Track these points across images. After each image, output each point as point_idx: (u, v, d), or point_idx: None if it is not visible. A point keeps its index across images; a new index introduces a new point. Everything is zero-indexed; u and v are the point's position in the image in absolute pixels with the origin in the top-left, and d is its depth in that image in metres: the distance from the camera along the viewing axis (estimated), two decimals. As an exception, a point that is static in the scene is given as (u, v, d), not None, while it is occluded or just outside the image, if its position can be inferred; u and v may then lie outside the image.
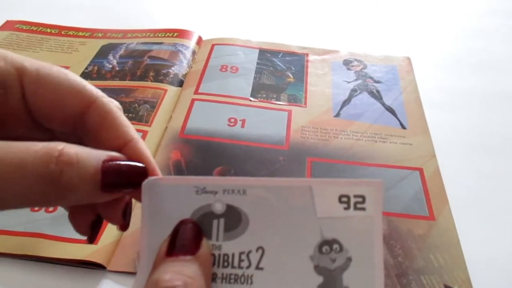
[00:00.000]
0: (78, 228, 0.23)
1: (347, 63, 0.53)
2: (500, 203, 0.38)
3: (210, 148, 0.42)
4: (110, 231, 0.34)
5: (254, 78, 0.50)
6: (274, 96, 0.48)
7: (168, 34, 0.56)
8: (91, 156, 0.19)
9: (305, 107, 0.47)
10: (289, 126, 0.44)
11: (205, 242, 0.20)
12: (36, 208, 0.35)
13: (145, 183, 0.20)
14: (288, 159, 0.41)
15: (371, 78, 0.51)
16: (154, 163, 0.22)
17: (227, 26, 0.60)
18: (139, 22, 0.60)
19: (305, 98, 0.48)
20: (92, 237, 0.23)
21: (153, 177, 0.21)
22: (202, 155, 0.41)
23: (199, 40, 0.56)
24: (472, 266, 0.33)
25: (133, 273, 0.32)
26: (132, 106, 0.45)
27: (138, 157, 0.21)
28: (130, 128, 0.22)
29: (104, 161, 0.19)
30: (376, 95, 0.49)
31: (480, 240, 0.35)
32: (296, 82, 0.50)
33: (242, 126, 0.44)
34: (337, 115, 0.46)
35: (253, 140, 0.42)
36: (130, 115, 0.44)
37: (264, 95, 0.48)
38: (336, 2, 0.67)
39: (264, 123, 0.44)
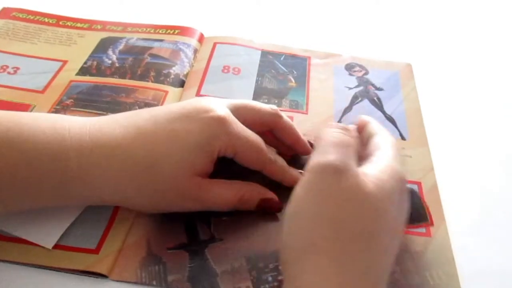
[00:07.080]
0: None
1: (349, 68, 0.53)
2: (496, 220, 0.39)
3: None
4: (111, 240, 0.34)
5: (256, 81, 0.50)
6: (276, 101, 0.47)
7: (169, 31, 0.55)
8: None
9: (307, 114, 0.47)
10: (290, 133, 0.44)
11: None
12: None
13: None
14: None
15: (373, 85, 0.51)
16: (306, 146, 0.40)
17: (229, 24, 0.59)
18: (138, 15, 0.59)
19: (307, 104, 0.48)
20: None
21: None
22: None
23: (201, 37, 0.56)
24: (466, 284, 0.34)
25: (135, 283, 0.32)
26: (133, 108, 0.45)
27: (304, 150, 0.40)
28: (296, 130, 0.40)
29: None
30: (377, 103, 0.49)
31: (475, 258, 0.36)
32: (298, 87, 0.50)
33: (244, 132, 0.44)
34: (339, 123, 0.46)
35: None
36: (131, 116, 0.44)
37: (266, 100, 0.47)
38: (339, 4, 0.67)
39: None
